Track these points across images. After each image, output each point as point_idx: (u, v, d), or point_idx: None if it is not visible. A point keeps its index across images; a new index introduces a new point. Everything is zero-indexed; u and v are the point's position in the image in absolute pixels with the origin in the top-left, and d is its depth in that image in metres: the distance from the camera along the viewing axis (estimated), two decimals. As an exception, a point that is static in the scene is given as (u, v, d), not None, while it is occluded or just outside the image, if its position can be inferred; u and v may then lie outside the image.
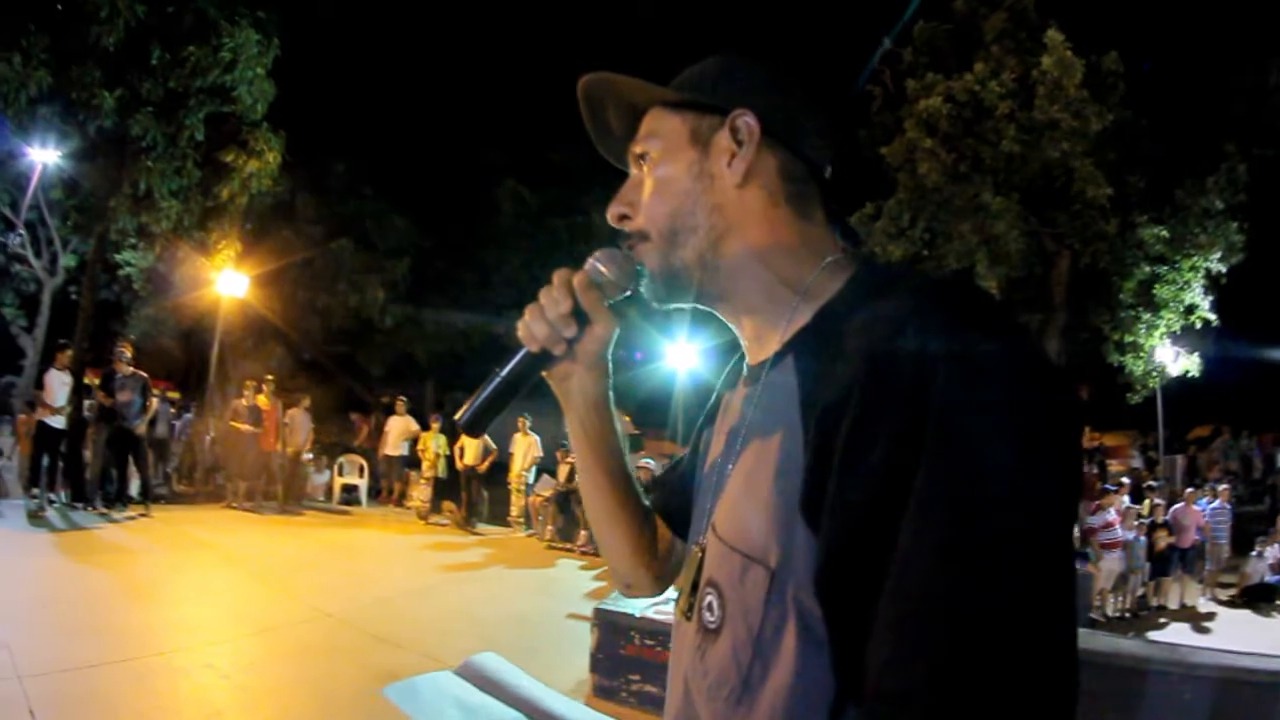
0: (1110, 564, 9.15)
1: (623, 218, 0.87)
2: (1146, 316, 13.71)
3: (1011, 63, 12.85)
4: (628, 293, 0.90)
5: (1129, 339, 14.04)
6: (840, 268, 0.79)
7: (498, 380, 0.90)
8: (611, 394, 0.96)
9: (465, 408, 0.90)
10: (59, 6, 10.20)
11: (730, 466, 0.78)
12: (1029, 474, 0.56)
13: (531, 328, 0.88)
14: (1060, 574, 0.56)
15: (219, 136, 11.83)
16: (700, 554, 0.79)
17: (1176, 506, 10.42)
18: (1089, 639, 4.23)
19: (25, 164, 12.72)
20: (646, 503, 1.05)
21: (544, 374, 0.92)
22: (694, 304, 0.86)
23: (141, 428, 9.98)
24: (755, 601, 0.68)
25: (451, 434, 12.99)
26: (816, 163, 0.84)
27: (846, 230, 0.86)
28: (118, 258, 15.15)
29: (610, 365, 0.94)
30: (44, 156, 12.26)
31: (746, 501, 0.72)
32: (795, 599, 0.64)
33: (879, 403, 0.60)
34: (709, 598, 0.74)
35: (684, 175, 0.83)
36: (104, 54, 10.39)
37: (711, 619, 0.73)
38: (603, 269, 0.88)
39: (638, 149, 0.87)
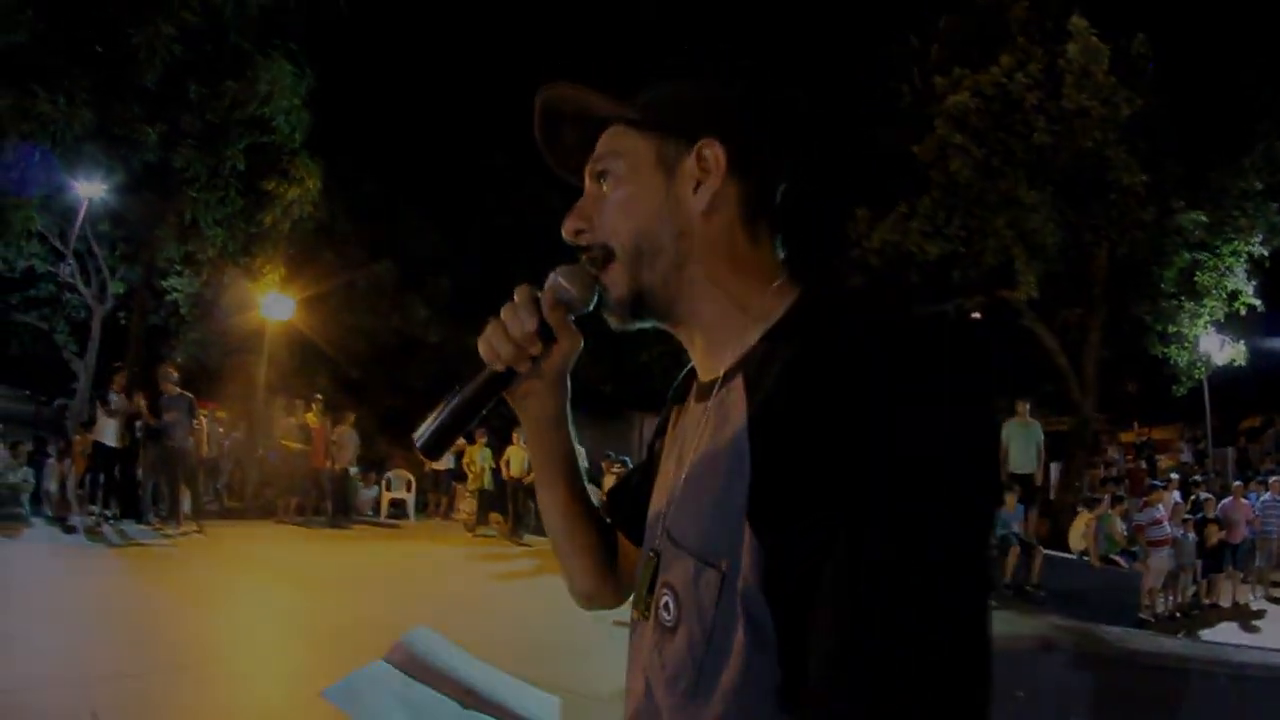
0: (1159, 561, 8.93)
1: (579, 233, 0.87)
2: (1189, 305, 13.37)
3: (1038, 53, 12.64)
4: (590, 309, 0.89)
5: (1172, 329, 13.71)
6: (786, 291, 0.82)
7: (458, 400, 0.87)
8: (569, 410, 0.97)
9: (423, 429, 0.87)
10: (99, 49, 10.57)
11: (683, 476, 0.81)
12: (967, 499, 0.62)
13: (496, 346, 0.87)
14: (987, 591, 0.63)
15: (259, 165, 12.14)
16: (655, 558, 0.82)
17: (1226, 501, 10.16)
18: (1129, 638, 4.13)
19: (73, 197, 13.15)
20: (604, 516, 1.07)
21: (503, 393, 0.91)
22: (656, 323, 0.88)
23: (203, 450, 10.29)
24: (708, 602, 0.72)
25: (498, 447, 13.14)
26: (775, 187, 0.86)
27: (792, 253, 0.87)
28: (165, 284, 15.56)
29: (569, 382, 0.95)
30: (91, 190, 12.70)
31: (699, 509, 0.76)
32: (744, 601, 0.68)
33: (817, 425, 0.65)
34: (665, 598, 0.78)
35: (650, 197, 0.83)
36: (145, 91, 10.76)
37: (668, 618, 0.77)
38: (566, 284, 0.87)
39: (599, 166, 0.86)
